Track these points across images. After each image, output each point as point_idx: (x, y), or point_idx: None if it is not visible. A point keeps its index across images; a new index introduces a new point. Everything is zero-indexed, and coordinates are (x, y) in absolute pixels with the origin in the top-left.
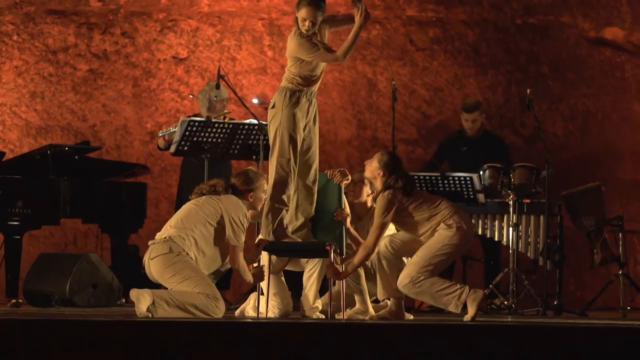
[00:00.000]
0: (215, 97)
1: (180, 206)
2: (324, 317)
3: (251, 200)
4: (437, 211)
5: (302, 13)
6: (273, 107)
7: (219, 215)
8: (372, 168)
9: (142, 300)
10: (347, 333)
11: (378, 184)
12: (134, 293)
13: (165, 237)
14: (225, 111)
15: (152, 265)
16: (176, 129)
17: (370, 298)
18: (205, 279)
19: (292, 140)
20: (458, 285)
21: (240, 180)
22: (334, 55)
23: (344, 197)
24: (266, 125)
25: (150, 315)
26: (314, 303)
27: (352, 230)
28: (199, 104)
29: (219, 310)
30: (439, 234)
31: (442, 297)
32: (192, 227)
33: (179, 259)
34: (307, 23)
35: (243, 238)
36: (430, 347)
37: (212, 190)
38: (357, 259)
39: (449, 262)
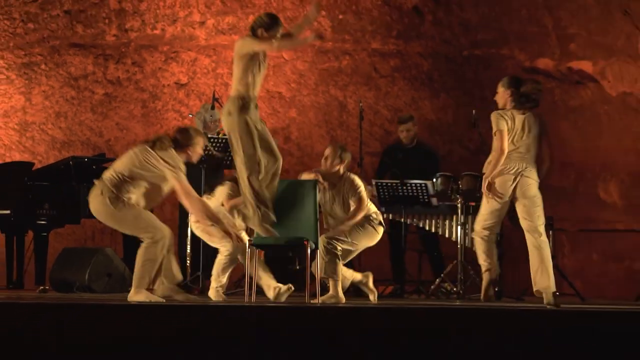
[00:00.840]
0: (210, 117)
1: (183, 208)
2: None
3: (190, 153)
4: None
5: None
6: (229, 114)
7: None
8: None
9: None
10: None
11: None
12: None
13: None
14: (218, 129)
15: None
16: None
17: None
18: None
19: (251, 137)
20: None
21: (182, 136)
22: (270, 45)
23: (317, 195)
24: None
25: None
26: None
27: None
28: (196, 124)
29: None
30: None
31: None
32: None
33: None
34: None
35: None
36: (386, 329)
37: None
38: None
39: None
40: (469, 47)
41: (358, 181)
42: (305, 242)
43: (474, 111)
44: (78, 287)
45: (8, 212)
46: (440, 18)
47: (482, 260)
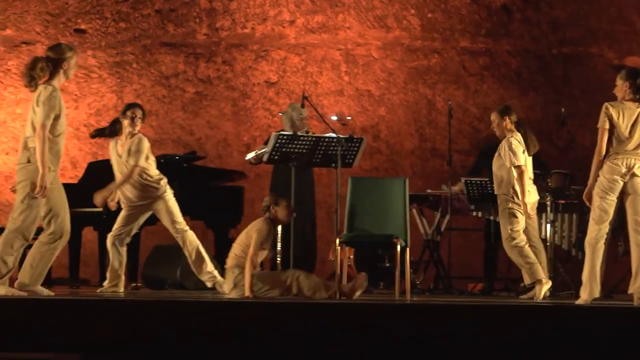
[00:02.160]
0: (298, 115)
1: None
2: None
3: (65, 68)
4: None
5: None
6: None
7: None
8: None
9: None
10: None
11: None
12: None
13: None
14: (306, 127)
15: None
16: (262, 150)
17: None
18: None
19: None
20: None
21: (53, 52)
22: None
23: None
24: (343, 138)
25: None
26: None
27: None
28: (283, 122)
29: None
30: None
31: None
32: None
33: None
34: None
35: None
36: (471, 325)
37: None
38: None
39: None
40: (557, 45)
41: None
42: (395, 240)
43: (562, 109)
44: (170, 284)
45: (100, 210)
46: (528, 16)
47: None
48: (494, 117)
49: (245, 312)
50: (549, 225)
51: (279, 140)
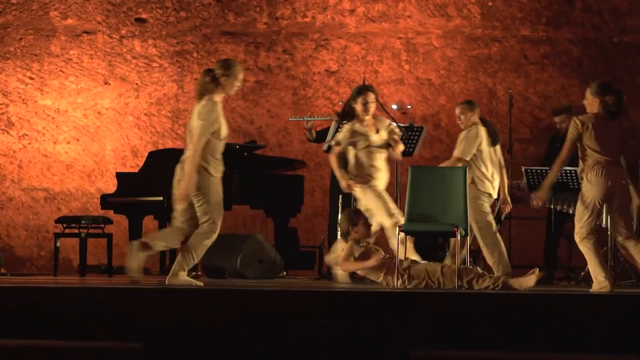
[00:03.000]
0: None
1: (334, 195)
2: None
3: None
4: None
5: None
6: None
7: None
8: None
9: None
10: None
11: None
12: None
13: None
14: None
15: None
16: (310, 118)
17: None
18: None
19: None
20: None
21: (218, 67)
22: None
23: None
24: (403, 126)
25: None
26: None
27: None
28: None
29: None
30: None
31: None
32: None
33: None
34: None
35: None
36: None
37: None
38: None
39: None
40: (618, 33)
41: None
42: (455, 229)
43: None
44: (230, 273)
45: (161, 198)
46: (589, 4)
47: None
48: (457, 109)
49: (306, 301)
50: (609, 214)
51: (339, 129)
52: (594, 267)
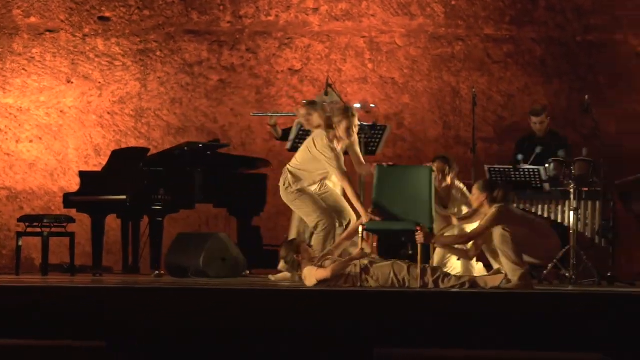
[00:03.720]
0: (331, 99)
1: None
2: None
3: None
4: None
5: None
6: None
7: None
8: (476, 196)
9: None
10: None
11: (486, 207)
12: None
13: None
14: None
15: None
16: (273, 114)
17: None
18: None
19: None
20: None
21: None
22: None
23: (433, 187)
24: (366, 125)
25: None
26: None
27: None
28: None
29: None
30: None
31: None
32: None
33: None
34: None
35: None
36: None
37: None
38: (450, 239)
39: None
40: (582, 32)
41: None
42: (418, 227)
43: (587, 96)
44: (193, 271)
45: (124, 197)
46: (553, 3)
47: None
48: (302, 110)
49: (271, 300)
50: (572, 213)
51: (302, 128)
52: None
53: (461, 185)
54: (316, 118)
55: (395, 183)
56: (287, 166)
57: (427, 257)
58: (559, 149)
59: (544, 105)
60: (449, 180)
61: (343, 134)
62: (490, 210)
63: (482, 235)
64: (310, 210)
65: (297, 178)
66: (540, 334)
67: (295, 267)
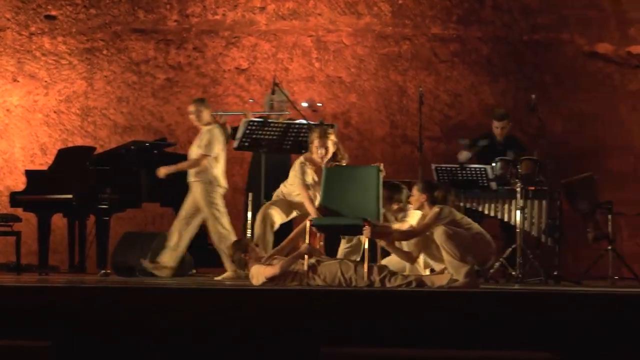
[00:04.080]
0: (280, 98)
1: (249, 193)
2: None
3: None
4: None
5: None
6: None
7: None
8: (416, 197)
9: None
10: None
11: (426, 208)
12: None
13: None
14: (286, 112)
15: None
16: (222, 113)
17: None
18: None
19: None
20: None
21: None
22: None
23: (381, 186)
24: (314, 124)
25: None
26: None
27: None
28: (263, 105)
29: None
30: None
31: None
32: None
33: None
34: None
35: None
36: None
37: None
38: (396, 234)
39: None
40: (528, 31)
41: None
42: (366, 223)
43: (533, 95)
44: (140, 270)
45: (70, 196)
46: (500, 3)
47: None
48: (191, 107)
49: (218, 298)
50: (518, 212)
51: (249, 127)
52: None
53: (414, 212)
54: (206, 115)
55: (343, 183)
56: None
57: (374, 256)
58: (513, 153)
59: (504, 111)
60: (395, 207)
61: (317, 154)
62: (432, 210)
63: (424, 232)
64: None
65: None
66: (486, 333)
67: (243, 266)
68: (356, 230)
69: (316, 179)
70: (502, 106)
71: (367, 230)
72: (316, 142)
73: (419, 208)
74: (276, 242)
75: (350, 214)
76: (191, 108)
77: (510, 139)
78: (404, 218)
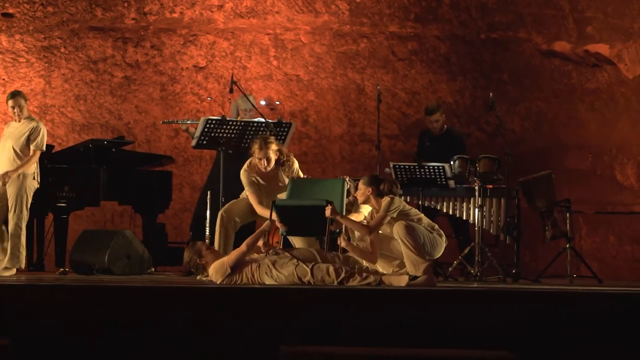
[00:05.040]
0: (246, 106)
1: (208, 191)
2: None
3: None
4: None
5: None
6: None
7: None
8: (362, 191)
9: None
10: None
11: (373, 201)
12: None
13: None
14: (250, 114)
15: None
16: (182, 122)
17: None
18: None
19: None
20: None
21: None
22: None
23: (344, 199)
24: (272, 123)
25: None
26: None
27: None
28: (230, 110)
29: None
30: None
31: None
32: None
33: None
34: None
35: None
36: (408, 309)
37: None
38: (355, 224)
39: None
40: (486, 30)
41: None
42: (330, 205)
43: (491, 94)
44: (97, 269)
45: None
46: (457, 1)
47: None
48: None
49: (176, 297)
50: (477, 210)
51: (208, 125)
52: None
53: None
54: (26, 110)
55: (308, 194)
56: None
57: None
58: (452, 145)
59: (437, 103)
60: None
61: (259, 163)
62: (382, 202)
63: (382, 223)
64: None
65: None
66: (445, 331)
67: (200, 270)
68: (319, 215)
69: (263, 182)
70: (461, 104)
71: (329, 209)
72: (257, 154)
73: (365, 201)
74: (237, 244)
75: (311, 228)
76: (10, 103)
77: (447, 133)
78: (357, 210)
